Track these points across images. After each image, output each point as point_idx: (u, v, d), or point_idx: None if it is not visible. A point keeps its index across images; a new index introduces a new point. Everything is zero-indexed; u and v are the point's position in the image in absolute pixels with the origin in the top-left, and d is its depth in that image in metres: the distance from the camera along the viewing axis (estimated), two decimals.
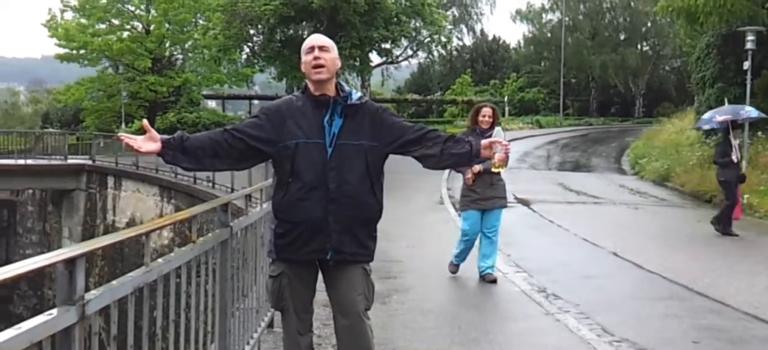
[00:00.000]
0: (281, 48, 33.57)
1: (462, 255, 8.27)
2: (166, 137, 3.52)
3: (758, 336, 6.15)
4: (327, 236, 3.54)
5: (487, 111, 7.77)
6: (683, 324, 6.50)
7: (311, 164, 3.51)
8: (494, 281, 7.86)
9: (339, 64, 3.70)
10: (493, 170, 3.75)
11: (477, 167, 7.49)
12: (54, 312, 2.12)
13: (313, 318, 3.93)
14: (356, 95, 3.67)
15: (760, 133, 18.40)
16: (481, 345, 5.73)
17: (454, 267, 8.33)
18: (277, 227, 3.65)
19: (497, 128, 3.84)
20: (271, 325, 5.56)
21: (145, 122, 3.54)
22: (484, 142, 3.65)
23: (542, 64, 64.53)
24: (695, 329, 6.31)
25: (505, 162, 3.75)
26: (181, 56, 40.41)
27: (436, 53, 45.69)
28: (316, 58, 3.57)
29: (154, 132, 3.46)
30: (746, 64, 17.28)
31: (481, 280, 7.90)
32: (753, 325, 6.49)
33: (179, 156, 3.53)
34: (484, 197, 7.83)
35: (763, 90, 18.60)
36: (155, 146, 3.46)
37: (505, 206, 8.07)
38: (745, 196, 15.03)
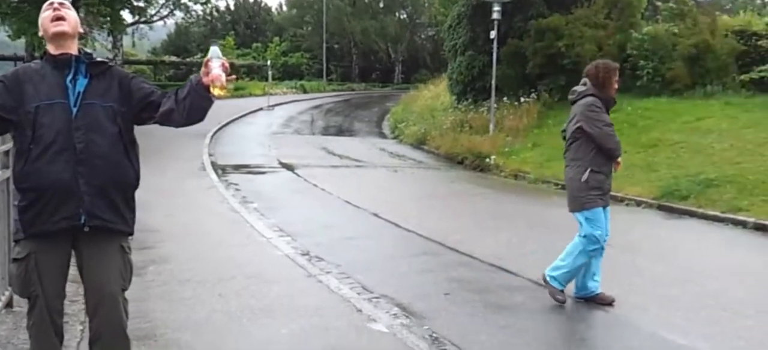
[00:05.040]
0: (20, 2, 30.69)
1: (575, 274, 5.91)
2: None
3: (501, 284, 6.67)
4: (78, 200, 3.23)
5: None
6: (437, 277, 6.88)
7: (54, 126, 3.21)
8: (613, 302, 5.88)
9: (80, 29, 3.46)
10: (215, 92, 3.29)
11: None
12: None
13: None
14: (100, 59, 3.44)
15: (505, 98, 19.85)
16: (241, 310, 5.64)
17: (562, 294, 5.93)
18: (21, 201, 3.30)
19: (213, 48, 3.40)
20: (9, 304, 5.04)
21: None
22: (203, 70, 3.30)
23: (305, 28, 64.92)
24: (447, 281, 6.71)
25: (223, 82, 3.29)
26: None
27: (194, 13, 44.33)
28: (55, 9, 3.36)
29: None
30: (493, 34, 18.51)
31: (591, 303, 5.91)
32: (497, 274, 7.04)
33: None
34: (610, 188, 5.93)
35: (507, 58, 20.05)
36: None
37: None
38: (492, 157, 16.23)
